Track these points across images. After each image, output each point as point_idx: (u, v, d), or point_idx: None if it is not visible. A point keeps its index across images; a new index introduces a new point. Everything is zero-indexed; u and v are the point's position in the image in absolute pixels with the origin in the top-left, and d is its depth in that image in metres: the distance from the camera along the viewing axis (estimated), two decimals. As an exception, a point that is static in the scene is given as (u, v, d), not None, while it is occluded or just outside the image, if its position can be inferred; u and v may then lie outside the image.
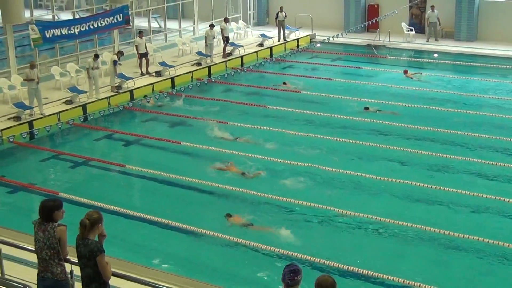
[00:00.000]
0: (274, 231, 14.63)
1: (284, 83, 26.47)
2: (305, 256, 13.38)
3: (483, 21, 32.75)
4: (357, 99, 24.18)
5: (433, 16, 32.54)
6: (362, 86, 26.51)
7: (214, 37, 29.89)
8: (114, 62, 25.09)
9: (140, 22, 32.76)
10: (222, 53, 30.37)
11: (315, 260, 13.30)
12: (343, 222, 15.24)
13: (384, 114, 22.61)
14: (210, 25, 30.27)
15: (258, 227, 14.92)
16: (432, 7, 32.53)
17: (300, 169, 17.88)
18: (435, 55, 31.11)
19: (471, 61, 29.49)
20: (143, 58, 27.39)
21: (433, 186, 16.53)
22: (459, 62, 29.18)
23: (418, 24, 34.37)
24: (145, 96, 24.87)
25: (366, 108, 23.23)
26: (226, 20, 31.15)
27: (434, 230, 14.33)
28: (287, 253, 13.59)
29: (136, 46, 27.41)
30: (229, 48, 30.77)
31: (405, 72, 27.31)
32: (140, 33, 27.78)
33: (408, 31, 33.41)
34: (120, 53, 26.14)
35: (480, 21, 32.80)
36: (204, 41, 29.84)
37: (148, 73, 27.28)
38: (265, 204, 16.11)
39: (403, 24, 33.60)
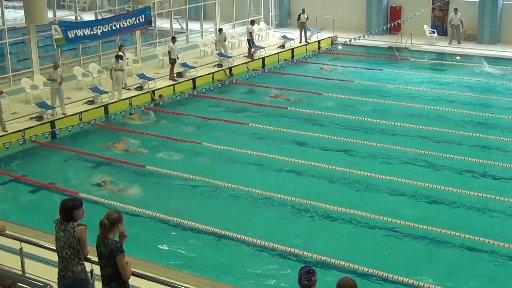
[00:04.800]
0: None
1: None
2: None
3: (506, 23, 32.48)
4: (380, 101, 24.28)
5: (456, 19, 32.32)
6: (384, 88, 26.40)
7: (225, 40, 29.98)
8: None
9: (162, 23, 32.85)
10: (247, 54, 30.51)
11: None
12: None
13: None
14: (219, 29, 30.31)
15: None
16: (455, 10, 32.32)
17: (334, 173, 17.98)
18: (458, 57, 30.90)
19: (493, 63, 29.25)
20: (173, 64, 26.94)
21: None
22: (481, 65, 28.94)
23: (440, 27, 34.16)
24: (160, 95, 25.02)
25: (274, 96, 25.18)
26: (252, 23, 31.18)
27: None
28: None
29: (169, 52, 26.88)
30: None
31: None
32: (173, 38, 27.45)
33: (431, 33, 33.21)
34: (122, 46, 26.36)
35: (503, 23, 32.54)
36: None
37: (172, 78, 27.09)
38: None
39: (425, 26, 33.41)
